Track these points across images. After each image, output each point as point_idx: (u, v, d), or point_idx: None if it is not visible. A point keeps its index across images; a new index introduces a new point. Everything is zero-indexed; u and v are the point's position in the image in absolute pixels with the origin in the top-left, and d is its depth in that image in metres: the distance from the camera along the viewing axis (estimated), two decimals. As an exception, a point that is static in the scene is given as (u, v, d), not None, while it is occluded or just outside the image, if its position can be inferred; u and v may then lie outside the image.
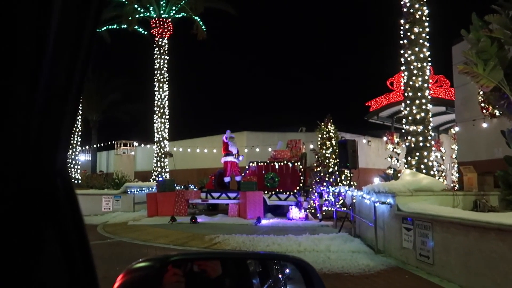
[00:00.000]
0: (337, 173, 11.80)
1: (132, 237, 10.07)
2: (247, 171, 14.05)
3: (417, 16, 8.69)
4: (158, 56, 18.52)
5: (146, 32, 20.02)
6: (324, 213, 11.23)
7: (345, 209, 10.34)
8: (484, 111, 15.99)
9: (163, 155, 18.23)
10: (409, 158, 8.58)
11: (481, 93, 16.34)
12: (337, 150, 12.21)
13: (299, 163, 13.42)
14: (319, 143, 12.60)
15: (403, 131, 8.89)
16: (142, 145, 27.52)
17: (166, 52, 18.69)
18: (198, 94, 56.81)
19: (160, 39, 18.55)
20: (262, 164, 13.89)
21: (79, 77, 0.60)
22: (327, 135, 12.21)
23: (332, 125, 12.58)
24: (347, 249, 7.91)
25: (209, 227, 11.19)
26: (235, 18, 20.97)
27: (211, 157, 25.44)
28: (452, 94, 20.68)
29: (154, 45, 18.65)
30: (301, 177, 13.31)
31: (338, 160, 10.89)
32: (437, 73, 21.79)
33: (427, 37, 8.71)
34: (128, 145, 28.68)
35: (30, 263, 0.57)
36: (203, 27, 19.36)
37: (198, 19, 19.41)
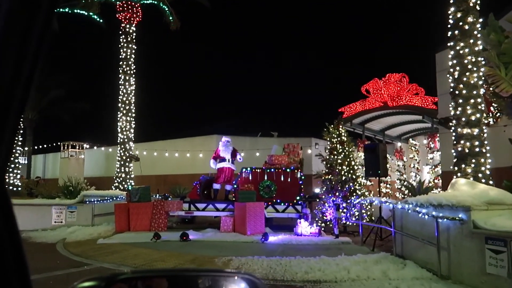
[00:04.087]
0: (350, 182, 10.44)
1: (114, 262, 7.84)
2: (239, 179, 12.22)
3: (471, 4, 7.63)
4: (125, 45, 16.07)
5: (102, 21, 17.44)
6: (340, 228, 9.79)
7: (374, 223, 8.96)
8: (475, 119, 15.80)
9: (128, 159, 15.73)
10: (463, 166, 7.41)
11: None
12: (350, 156, 10.91)
13: (299, 170, 11.90)
14: (328, 148, 11.17)
15: (454, 135, 7.72)
16: (95, 147, 24.33)
17: (134, 40, 16.30)
18: (165, 91, 53.14)
19: (128, 25, 16.14)
20: (256, 170, 12.16)
21: (24, 78, 0.57)
22: (339, 139, 10.83)
23: (343, 128, 11.24)
24: (407, 275, 6.48)
25: (207, 246, 9.22)
26: (208, 11, 19.05)
27: (173, 163, 23.16)
28: (429, 102, 20.58)
29: (120, 32, 16.18)
30: (302, 186, 11.79)
31: (365, 167, 9.57)
32: (411, 82, 21.64)
33: (480, 28, 7.67)
34: (78, 147, 25.22)
35: None
36: (170, 17, 17.25)
37: (167, 8, 17.30)
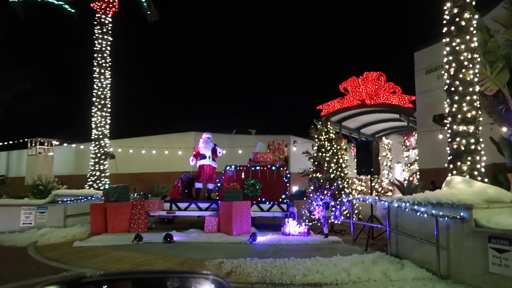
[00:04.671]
0: (339, 180, 10.25)
1: (95, 267, 7.27)
2: (223, 177, 11.79)
3: (467, 0, 7.55)
4: (100, 36, 15.24)
5: (74, 11, 16.52)
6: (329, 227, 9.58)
7: (368, 222, 8.79)
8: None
9: (102, 156, 14.94)
10: (458, 163, 7.33)
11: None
12: (338, 153, 10.71)
13: (284, 168, 11.61)
14: (316, 145, 10.93)
15: (449, 132, 7.63)
16: (65, 144, 23.13)
17: (110, 32, 15.49)
18: (141, 86, 51.42)
19: (103, 16, 15.32)
20: (241, 168, 11.77)
21: None
22: (326, 137, 10.60)
23: (331, 126, 11.03)
24: (407, 276, 6.32)
25: (193, 247, 8.76)
26: (187, 3, 18.43)
27: (148, 160, 22.39)
28: (406, 101, 20.85)
29: (95, 22, 15.32)
30: (288, 184, 11.51)
31: (357, 165, 9.36)
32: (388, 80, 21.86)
33: (475, 25, 7.61)
34: (46, 144, 23.87)
35: None
36: (148, 9, 16.52)
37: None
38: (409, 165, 20.44)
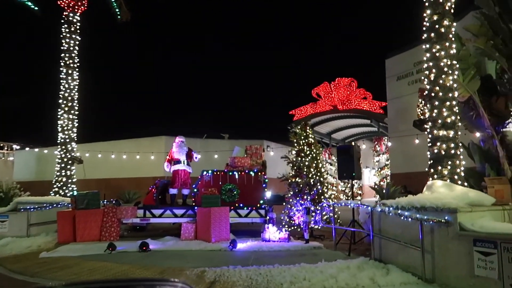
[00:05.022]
0: (318, 184, 10.18)
1: (66, 278, 6.78)
2: (199, 182, 11.46)
3: (447, 8, 7.72)
4: (67, 35, 14.52)
5: (37, 8, 15.72)
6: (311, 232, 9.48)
7: (350, 227, 8.74)
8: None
9: (69, 161, 14.18)
10: (439, 168, 7.43)
11: (420, 106, 16.85)
12: (318, 158, 10.65)
13: (262, 173, 11.44)
14: (295, 150, 10.82)
15: (430, 137, 7.73)
16: (27, 148, 21.85)
17: (78, 31, 14.80)
18: (110, 88, 49.57)
19: (71, 14, 14.62)
20: (218, 173, 11.49)
21: None
22: (306, 141, 10.52)
23: (310, 130, 10.96)
24: (395, 281, 6.28)
25: (171, 256, 8.38)
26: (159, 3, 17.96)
27: (116, 166, 21.61)
28: (376, 107, 21.27)
29: (63, 21, 14.58)
30: (266, 189, 11.35)
31: (338, 169, 9.32)
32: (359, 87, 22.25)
33: (454, 31, 7.79)
34: (6, 148, 22.49)
35: None
36: (117, 9, 15.97)
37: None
38: (379, 170, 20.81)
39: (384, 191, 9.24)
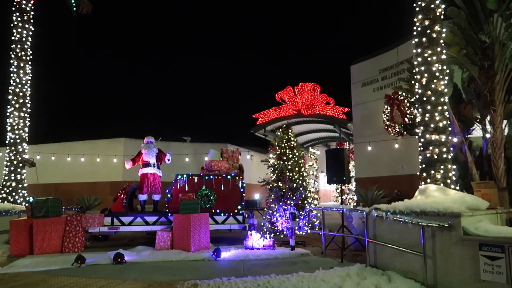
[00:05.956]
0: (301, 189, 9.88)
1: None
2: (173, 187, 10.73)
3: (438, 14, 7.80)
4: (19, 25, 13.08)
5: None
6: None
7: (339, 232, 8.51)
8: (390, 129, 16.86)
9: (20, 164, 12.73)
10: (432, 172, 7.43)
11: (386, 111, 17.24)
12: (299, 161, 10.36)
13: (240, 177, 10.97)
14: (276, 153, 10.46)
15: (422, 141, 7.72)
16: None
17: (32, 21, 13.41)
18: (65, 86, 45.74)
19: (24, 1, 13.21)
20: (193, 177, 10.83)
21: None
22: (288, 144, 10.21)
23: (292, 133, 10.65)
24: (399, 288, 6.10)
25: (152, 268, 7.64)
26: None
27: (67, 169, 19.98)
28: (339, 112, 21.58)
29: (14, 8, 13.13)
30: (243, 194, 10.89)
31: (327, 173, 9.05)
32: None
33: (444, 36, 7.88)
34: None
35: None
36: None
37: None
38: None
39: (368, 195, 9.14)
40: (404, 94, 15.98)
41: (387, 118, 16.88)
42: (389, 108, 16.86)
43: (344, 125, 21.29)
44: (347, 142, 21.33)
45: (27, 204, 10.72)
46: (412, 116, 15.75)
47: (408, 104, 15.99)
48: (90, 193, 17.23)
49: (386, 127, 16.89)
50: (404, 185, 14.72)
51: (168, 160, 11.27)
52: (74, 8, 14.77)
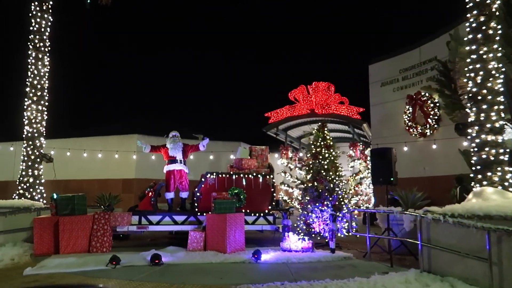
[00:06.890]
0: (338, 190, 9.54)
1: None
2: (203, 185, 10.34)
3: (493, 9, 7.49)
4: (38, 14, 12.61)
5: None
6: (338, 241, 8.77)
7: (384, 235, 8.17)
8: (412, 130, 16.56)
9: (38, 159, 12.26)
10: (489, 174, 7.12)
11: (408, 112, 16.94)
12: (335, 161, 10.01)
13: (271, 176, 10.61)
14: (311, 152, 10.10)
15: (476, 141, 7.41)
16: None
17: (51, 10, 12.94)
18: (74, 80, 45.05)
19: (43, -10, 12.75)
20: (223, 176, 10.45)
21: None
22: (324, 143, 9.86)
23: (327, 131, 10.29)
24: (467, 296, 5.78)
25: (193, 271, 7.24)
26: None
27: (77, 166, 19.50)
28: (354, 112, 21.26)
29: (32, -3, 12.64)
30: (274, 194, 10.53)
31: (372, 173, 8.72)
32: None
33: (500, 33, 7.58)
34: None
35: None
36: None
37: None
38: (354, 175, 20.75)
39: (408, 197, 8.81)
40: (427, 94, 15.75)
41: (408, 118, 16.62)
42: (411, 108, 16.61)
43: (359, 125, 20.99)
44: (360, 143, 20.98)
45: (50, 202, 10.28)
46: (436, 117, 15.53)
47: (431, 105, 15.78)
48: (101, 190, 16.78)
49: (407, 128, 16.65)
50: (427, 188, 14.44)
51: (203, 146, 10.91)
52: (88, 1, 14.32)
